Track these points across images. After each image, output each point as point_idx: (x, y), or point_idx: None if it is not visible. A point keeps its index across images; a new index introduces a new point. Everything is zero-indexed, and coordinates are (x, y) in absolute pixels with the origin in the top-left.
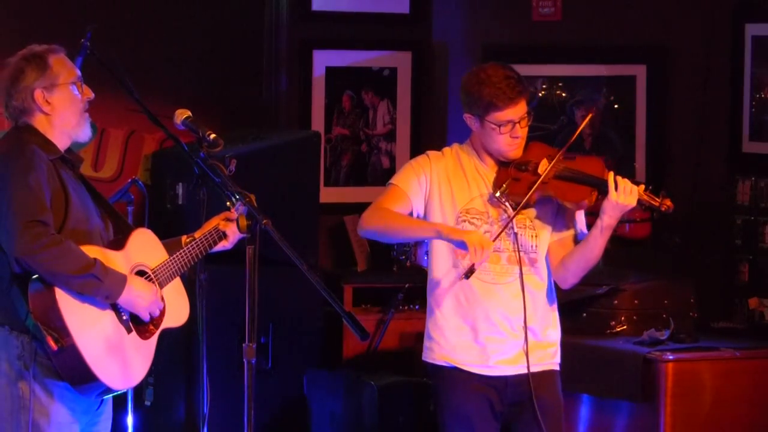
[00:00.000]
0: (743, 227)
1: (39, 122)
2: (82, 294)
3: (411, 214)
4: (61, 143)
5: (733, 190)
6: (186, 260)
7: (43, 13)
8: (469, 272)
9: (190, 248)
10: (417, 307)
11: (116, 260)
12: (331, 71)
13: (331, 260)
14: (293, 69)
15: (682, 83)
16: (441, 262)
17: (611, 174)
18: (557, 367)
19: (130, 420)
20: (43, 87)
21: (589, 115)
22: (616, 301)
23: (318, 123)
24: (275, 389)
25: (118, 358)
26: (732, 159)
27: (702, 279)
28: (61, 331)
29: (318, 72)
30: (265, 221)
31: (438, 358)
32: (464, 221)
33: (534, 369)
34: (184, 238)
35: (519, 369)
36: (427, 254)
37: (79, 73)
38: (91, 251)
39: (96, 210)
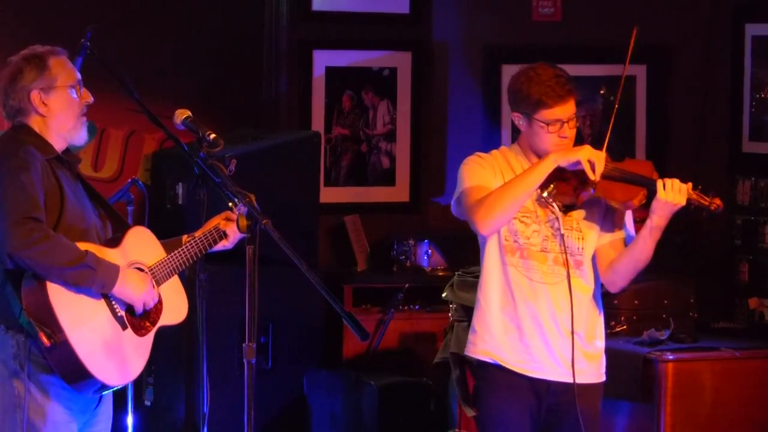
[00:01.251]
0: (743, 227)
1: (35, 123)
2: (77, 285)
3: None
4: (58, 144)
5: (733, 190)
6: (184, 259)
7: (43, 13)
8: (592, 183)
9: (189, 247)
10: (417, 307)
11: (112, 257)
12: (331, 71)
13: (331, 260)
14: (293, 69)
15: (682, 83)
16: (491, 258)
17: (657, 176)
18: (603, 379)
19: (130, 420)
20: (40, 88)
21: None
22: (616, 301)
23: (318, 123)
24: (275, 389)
25: (112, 354)
26: (732, 159)
27: (702, 279)
28: (54, 327)
29: (318, 72)
30: (264, 221)
31: (480, 353)
32: (515, 219)
33: (579, 380)
34: (184, 237)
35: (563, 375)
36: (427, 254)
37: (78, 76)
38: (85, 247)
39: (93, 209)
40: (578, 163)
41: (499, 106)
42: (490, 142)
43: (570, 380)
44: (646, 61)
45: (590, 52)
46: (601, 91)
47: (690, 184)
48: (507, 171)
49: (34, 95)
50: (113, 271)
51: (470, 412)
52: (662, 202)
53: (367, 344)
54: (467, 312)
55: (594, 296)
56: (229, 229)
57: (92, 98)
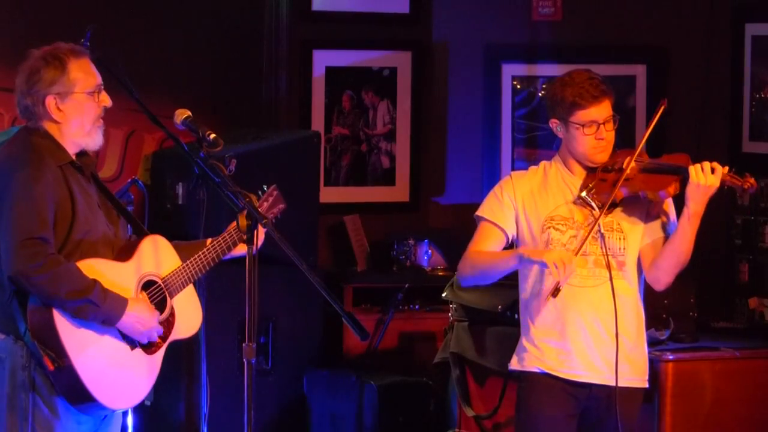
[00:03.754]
0: (743, 227)
1: (48, 127)
2: (77, 317)
3: (507, 240)
4: (70, 149)
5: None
6: (200, 266)
7: (43, 13)
8: (555, 291)
9: (204, 254)
10: (417, 307)
11: (123, 272)
12: (331, 71)
13: (331, 260)
14: (293, 69)
15: (682, 83)
16: (530, 278)
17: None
18: (646, 385)
19: (130, 420)
20: (56, 94)
21: (661, 108)
22: None
23: (318, 123)
24: (275, 389)
25: (118, 377)
26: (732, 159)
27: (702, 279)
28: (59, 352)
29: (318, 72)
30: (264, 221)
31: (527, 365)
32: (549, 228)
33: (622, 383)
34: (209, 240)
35: (606, 379)
36: (427, 254)
37: (99, 80)
38: (96, 266)
39: (106, 215)
40: (543, 263)
41: (499, 105)
42: (490, 141)
43: (612, 383)
44: (646, 61)
45: (590, 52)
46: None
47: (726, 168)
48: (541, 184)
49: (50, 101)
50: (119, 305)
51: (470, 412)
52: (695, 185)
53: (367, 344)
54: (467, 312)
55: (638, 300)
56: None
57: (111, 102)
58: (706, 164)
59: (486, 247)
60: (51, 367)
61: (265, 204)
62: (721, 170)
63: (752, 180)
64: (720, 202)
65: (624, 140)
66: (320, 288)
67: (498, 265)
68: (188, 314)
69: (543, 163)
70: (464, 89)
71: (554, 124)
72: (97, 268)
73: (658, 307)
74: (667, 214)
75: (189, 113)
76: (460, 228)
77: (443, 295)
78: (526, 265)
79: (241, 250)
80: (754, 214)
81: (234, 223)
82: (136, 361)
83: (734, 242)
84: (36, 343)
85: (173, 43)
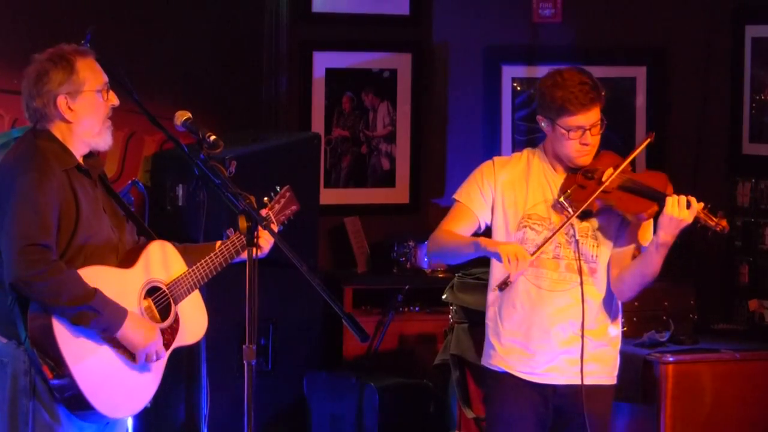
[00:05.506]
0: (743, 229)
1: (58, 128)
2: (77, 325)
3: (479, 226)
4: (79, 151)
5: (733, 191)
6: (206, 271)
7: (43, 15)
8: (503, 284)
9: (212, 258)
10: (417, 308)
11: (126, 279)
12: (331, 73)
13: (331, 262)
14: (293, 70)
15: (682, 84)
16: (497, 271)
17: (671, 190)
18: (614, 381)
19: (130, 420)
20: (67, 93)
21: (647, 140)
22: None
23: (318, 124)
24: (275, 390)
25: (119, 386)
26: (732, 160)
27: (702, 281)
28: (58, 361)
29: (318, 73)
30: (264, 222)
31: (493, 363)
32: (525, 227)
33: (588, 381)
34: (218, 243)
35: (571, 379)
36: (427, 256)
37: (106, 78)
38: (99, 273)
39: (111, 219)
40: (497, 254)
41: (500, 107)
42: (490, 143)
43: (577, 382)
44: (646, 62)
45: (590, 54)
46: (602, 93)
47: (702, 204)
48: (522, 175)
49: (61, 100)
50: (120, 316)
51: (470, 414)
52: (668, 217)
53: (367, 346)
54: (467, 314)
55: (606, 299)
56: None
57: (118, 101)
58: (683, 198)
59: (457, 227)
60: (50, 377)
61: (277, 206)
62: (697, 207)
63: (724, 222)
64: (720, 203)
65: (624, 140)
66: (320, 290)
67: (459, 249)
68: (193, 321)
69: (527, 150)
70: (464, 91)
71: (541, 120)
72: (100, 276)
73: (658, 309)
74: (636, 228)
75: (189, 115)
76: None
77: (443, 297)
78: (482, 254)
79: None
80: (755, 215)
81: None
82: (137, 370)
83: (734, 244)
84: (35, 351)
85: (173, 45)
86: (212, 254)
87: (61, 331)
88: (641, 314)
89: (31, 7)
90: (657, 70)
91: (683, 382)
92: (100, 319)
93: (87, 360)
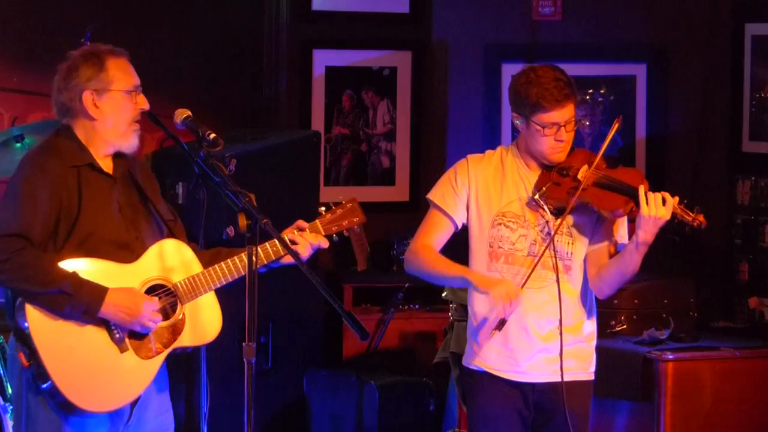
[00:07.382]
0: (743, 227)
1: (81, 125)
2: (51, 310)
3: (456, 228)
4: (101, 150)
5: (733, 189)
6: (221, 274)
7: (43, 14)
8: (500, 325)
9: (227, 264)
10: (417, 306)
11: (124, 274)
12: (331, 71)
13: (331, 260)
14: (293, 68)
15: (682, 83)
16: (477, 265)
17: (642, 187)
18: (591, 377)
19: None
20: (93, 89)
21: (615, 125)
22: (615, 301)
23: (318, 122)
24: (275, 389)
25: (96, 379)
26: (732, 158)
27: (702, 278)
28: (31, 350)
29: (318, 71)
30: (264, 220)
31: (472, 363)
32: (500, 224)
33: (568, 378)
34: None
35: (550, 376)
36: None
37: (137, 81)
38: (86, 264)
39: (130, 219)
40: (490, 296)
41: (499, 105)
42: (490, 141)
43: (557, 379)
44: (646, 61)
45: (590, 52)
46: (601, 91)
47: (677, 198)
48: (496, 173)
49: (87, 96)
50: (98, 294)
51: None
52: (645, 217)
53: (367, 344)
54: (467, 312)
55: (582, 300)
56: (300, 240)
57: (148, 105)
58: (657, 195)
59: (434, 237)
60: (26, 365)
61: (330, 215)
62: (671, 202)
63: (701, 218)
64: (720, 201)
65: (624, 140)
66: (320, 288)
67: (445, 277)
68: (201, 323)
69: (500, 148)
70: (464, 89)
71: (515, 118)
72: (87, 267)
73: (658, 307)
74: (612, 224)
75: (189, 113)
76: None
77: (443, 294)
78: (470, 287)
79: (286, 259)
80: (755, 213)
81: (287, 231)
82: (125, 365)
83: (734, 242)
84: (15, 340)
85: (173, 43)
86: (235, 257)
87: (35, 319)
88: (641, 312)
89: (31, 6)
90: (657, 69)
91: (683, 380)
92: (74, 301)
93: (62, 352)
